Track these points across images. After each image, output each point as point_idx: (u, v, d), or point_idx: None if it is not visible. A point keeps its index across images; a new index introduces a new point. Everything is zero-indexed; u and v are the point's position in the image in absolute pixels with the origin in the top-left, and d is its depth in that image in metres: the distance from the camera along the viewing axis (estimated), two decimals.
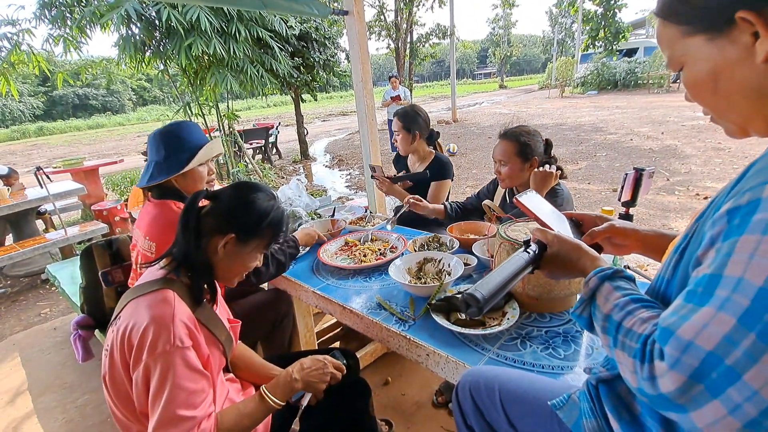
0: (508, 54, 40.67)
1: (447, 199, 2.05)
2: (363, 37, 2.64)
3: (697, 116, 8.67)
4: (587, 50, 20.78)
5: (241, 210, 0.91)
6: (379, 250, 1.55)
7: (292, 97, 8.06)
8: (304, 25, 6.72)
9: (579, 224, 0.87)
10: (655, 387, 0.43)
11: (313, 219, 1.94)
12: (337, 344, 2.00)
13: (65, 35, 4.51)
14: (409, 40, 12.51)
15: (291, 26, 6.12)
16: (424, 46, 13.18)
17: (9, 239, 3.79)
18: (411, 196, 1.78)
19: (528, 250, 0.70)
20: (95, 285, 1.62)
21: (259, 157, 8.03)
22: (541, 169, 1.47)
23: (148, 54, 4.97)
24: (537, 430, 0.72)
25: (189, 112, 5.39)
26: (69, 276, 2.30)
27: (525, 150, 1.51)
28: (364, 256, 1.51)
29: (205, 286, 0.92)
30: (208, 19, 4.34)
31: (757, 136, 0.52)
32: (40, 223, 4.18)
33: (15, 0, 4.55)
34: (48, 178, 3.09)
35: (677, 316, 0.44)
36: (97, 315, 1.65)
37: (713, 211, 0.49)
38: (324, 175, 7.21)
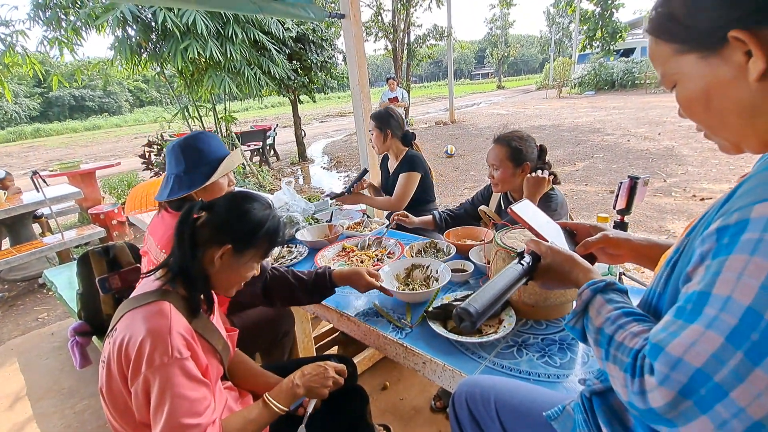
0: (506, 54, 40.77)
1: (432, 195, 2.17)
2: (360, 40, 2.65)
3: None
4: (584, 50, 20.86)
5: (236, 220, 0.92)
6: (377, 255, 1.56)
7: (289, 98, 8.06)
8: (301, 27, 6.72)
9: (573, 234, 0.87)
10: (645, 401, 0.44)
11: (310, 224, 1.94)
12: (334, 349, 2.00)
13: (60, 37, 4.49)
14: (406, 41, 12.51)
15: (288, 28, 6.12)
16: (421, 47, 13.18)
17: (5, 243, 3.78)
18: (397, 212, 1.83)
19: (522, 261, 0.71)
20: (92, 291, 1.61)
21: (256, 159, 8.02)
22: (533, 174, 1.48)
23: (144, 56, 4.96)
24: None
25: (186, 113, 5.38)
26: (66, 281, 2.30)
27: (517, 155, 1.52)
28: (362, 262, 1.51)
29: (202, 297, 0.92)
30: (204, 21, 4.34)
31: (751, 153, 0.52)
32: (36, 227, 4.17)
33: (8, 0, 4.54)
34: (44, 181, 3.09)
35: (667, 332, 0.44)
36: (94, 321, 1.65)
37: (703, 227, 0.50)
38: (322, 177, 7.21)
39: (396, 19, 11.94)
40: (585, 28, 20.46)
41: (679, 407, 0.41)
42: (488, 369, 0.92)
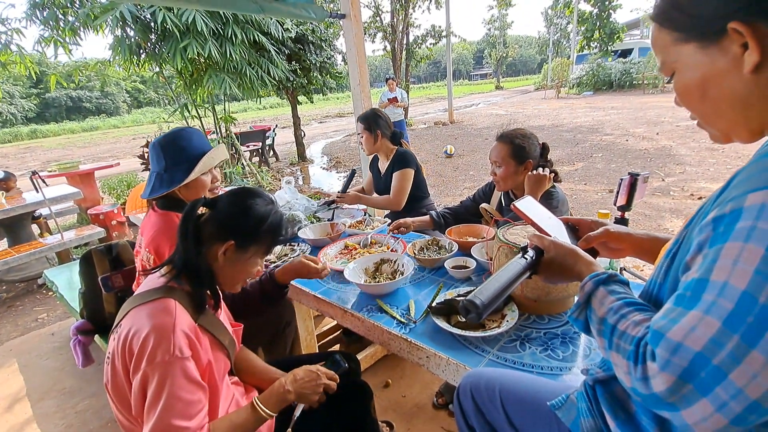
0: (504, 55, 40.89)
1: (426, 191, 2.20)
2: (360, 40, 2.66)
3: (690, 116, 8.76)
4: (582, 51, 20.94)
5: (239, 216, 0.92)
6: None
7: (288, 99, 8.07)
8: (301, 27, 6.73)
9: (575, 229, 0.88)
10: (647, 387, 0.45)
11: (312, 222, 1.94)
12: (337, 347, 2.01)
13: (56, 37, 4.48)
14: (405, 41, 12.55)
15: (287, 29, 6.13)
16: (420, 47, 13.22)
17: (3, 244, 3.77)
18: (394, 222, 1.78)
19: (525, 255, 0.72)
20: (95, 290, 1.62)
21: (256, 159, 8.02)
22: (534, 172, 1.49)
23: (143, 56, 4.96)
24: (537, 430, 0.74)
25: (186, 114, 5.38)
26: (67, 281, 2.30)
27: (520, 152, 1.53)
28: None
29: (208, 292, 0.93)
30: (203, 21, 4.34)
31: (740, 143, 0.54)
32: (34, 228, 4.16)
33: None
34: (44, 182, 3.08)
35: (667, 319, 0.46)
36: (96, 320, 1.65)
37: (701, 218, 0.51)
38: (321, 177, 7.21)
39: (395, 20, 11.97)
40: (583, 29, 20.54)
41: (680, 391, 0.42)
42: (492, 362, 0.93)
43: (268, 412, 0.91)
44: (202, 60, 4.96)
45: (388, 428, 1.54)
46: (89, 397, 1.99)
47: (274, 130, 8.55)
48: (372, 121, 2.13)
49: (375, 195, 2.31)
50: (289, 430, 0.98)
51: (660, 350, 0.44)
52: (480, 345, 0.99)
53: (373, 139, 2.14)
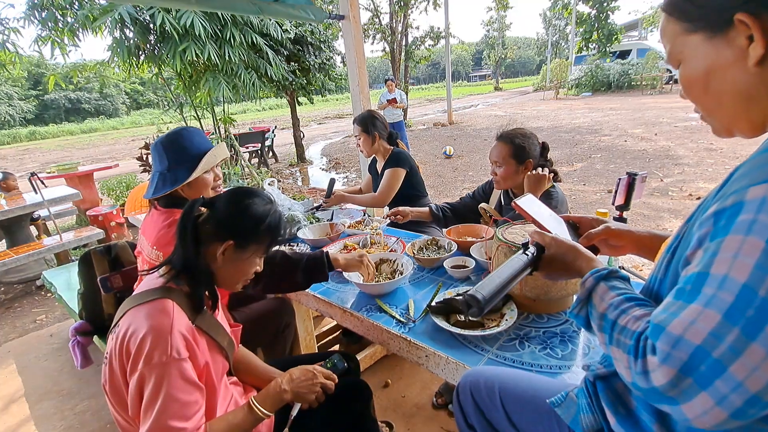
0: (503, 56, 40.98)
1: (423, 191, 2.20)
2: (359, 41, 2.67)
3: (689, 117, 8.80)
4: (581, 52, 20.99)
5: (238, 216, 0.92)
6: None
7: (287, 100, 8.07)
8: (300, 28, 6.74)
9: (576, 226, 0.89)
10: (648, 381, 0.45)
11: (311, 223, 1.94)
12: (336, 347, 2.01)
13: (53, 36, 4.47)
14: (404, 42, 12.57)
15: (286, 30, 6.14)
16: (419, 48, 13.25)
17: (2, 246, 3.76)
18: (391, 210, 1.82)
19: (526, 252, 0.72)
20: (94, 291, 1.61)
21: (255, 160, 8.01)
22: (534, 171, 1.49)
23: (142, 58, 4.96)
24: (536, 428, 0.73)
25: (185, 112, 5.37)
26: (65, 282, 2.29)
27: (520, 152, 1.53)
28: None
29: (206, 293, 0.92)
30: (202, 24, 4.35)
31: (741, 137, 0.54)
32: (32, 229, 4.15)
33: None
34: (43, 183, 3.08)
35: (667, 313, 0.46)
36: (95, 321, 1.65)
37: (701, 213, 0.51)
38: (321, 178, 7.21)
39: (393, 22, 12.00)
40: (581, 30, 20.60)
41: (680, 385, 0.42)
42: (491, 361, 0.93)
43: (265, 411, 0.90)
44: (201, 62, 4.96)
45: (387, 428, 1.54)
46: (88, 398, 1.99)
47: (273, 132, 8.55)
48: (369, 122, 2.14)
49: (362, 194, 2.32)
50: (286, 429, 0.97)
51: (660, 344, 0.44)
52: (479, 344, 0.99)
53: (371, 141, 2.15)
